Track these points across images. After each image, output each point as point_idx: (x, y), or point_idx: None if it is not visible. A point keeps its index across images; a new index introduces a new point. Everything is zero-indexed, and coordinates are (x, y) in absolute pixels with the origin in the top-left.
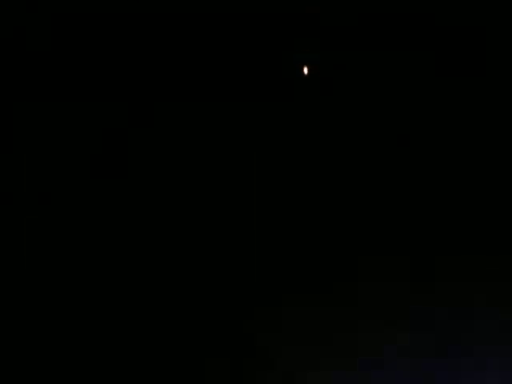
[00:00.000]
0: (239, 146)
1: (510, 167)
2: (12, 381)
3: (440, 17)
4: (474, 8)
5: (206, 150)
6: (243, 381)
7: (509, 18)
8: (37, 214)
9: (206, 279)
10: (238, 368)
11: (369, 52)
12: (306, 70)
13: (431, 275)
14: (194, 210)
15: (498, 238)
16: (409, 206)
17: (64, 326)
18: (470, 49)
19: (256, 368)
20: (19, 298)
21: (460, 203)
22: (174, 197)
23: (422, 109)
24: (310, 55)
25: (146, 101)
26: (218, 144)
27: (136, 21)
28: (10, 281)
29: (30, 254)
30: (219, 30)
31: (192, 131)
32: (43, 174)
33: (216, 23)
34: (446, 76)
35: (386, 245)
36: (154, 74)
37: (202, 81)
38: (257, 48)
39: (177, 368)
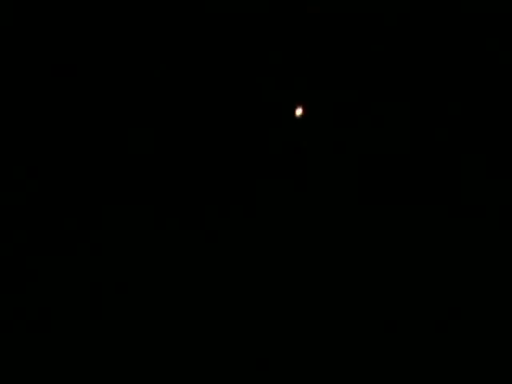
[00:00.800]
0: (239, 145)
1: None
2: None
3: (441, 17)
4: (475, 8)
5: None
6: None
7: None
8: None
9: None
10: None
11: (369, 52)
12: (299, 111)
13: None
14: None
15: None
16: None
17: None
18: (472, 50)
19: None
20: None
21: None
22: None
23: (422, 108)
24: (309, 55)
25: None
26: (217, 146)
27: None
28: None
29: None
30: (217, 30)
31: (190, 133)
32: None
33: (214, 23)
34: (448, 75)
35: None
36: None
37: (198, 82)
38: (256, 48)
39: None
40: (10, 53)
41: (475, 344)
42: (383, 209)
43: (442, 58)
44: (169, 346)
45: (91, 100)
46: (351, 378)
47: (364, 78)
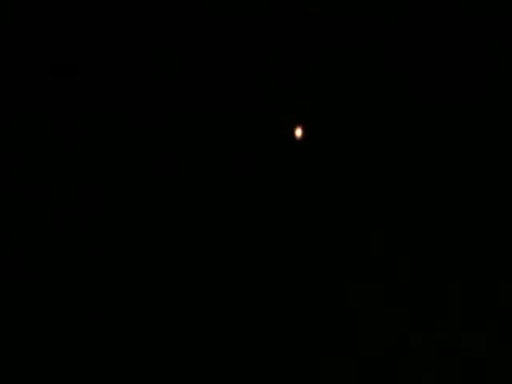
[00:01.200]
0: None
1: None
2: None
3: (442, 18)
4: (475, 9)
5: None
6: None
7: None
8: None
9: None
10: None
11: (369, 52)
12: (299, 132)
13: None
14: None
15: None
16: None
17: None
18: (472, 50)
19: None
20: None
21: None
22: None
23: (421, 107)
24: (309, 56)
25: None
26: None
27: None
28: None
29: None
30: (217, 30)
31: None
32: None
33: (214, 23)
34: (449, 76)
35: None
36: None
37: (198, 82)
38: (256, 48)
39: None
40: (10, 53)
41: (474, 344)
42: (383, 211)
43: (442, 58)
44: (168, 345)
45: (91, 100)
46: (351, 378)
47: (364, 78)
